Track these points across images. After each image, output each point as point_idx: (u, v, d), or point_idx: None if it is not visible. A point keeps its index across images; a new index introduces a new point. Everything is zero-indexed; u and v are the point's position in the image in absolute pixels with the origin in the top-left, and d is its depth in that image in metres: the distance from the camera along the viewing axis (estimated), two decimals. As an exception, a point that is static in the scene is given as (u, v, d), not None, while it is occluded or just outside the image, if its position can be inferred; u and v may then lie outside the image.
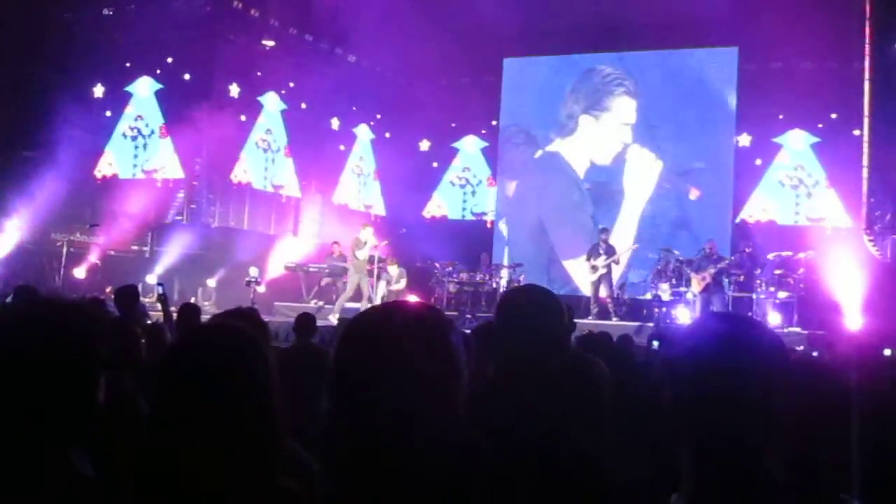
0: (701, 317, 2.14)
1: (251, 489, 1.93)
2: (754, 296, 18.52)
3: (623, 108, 23.04)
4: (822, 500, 2.50)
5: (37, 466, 2.08)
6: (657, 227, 22.08)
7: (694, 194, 22.07)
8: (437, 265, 20.74)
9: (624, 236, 21.71)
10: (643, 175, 22.58)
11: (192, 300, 19.21)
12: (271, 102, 23.81)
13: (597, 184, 23.01)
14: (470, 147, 26.81)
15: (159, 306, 10.63)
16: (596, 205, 22.87)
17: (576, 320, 13.70)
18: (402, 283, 19.85)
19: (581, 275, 20.46)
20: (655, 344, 9.18)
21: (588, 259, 19.10)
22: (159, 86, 22.68)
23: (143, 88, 22.97)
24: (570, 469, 2.46)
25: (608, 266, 18.81)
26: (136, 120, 23.19)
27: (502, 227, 24.09)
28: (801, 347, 14.39)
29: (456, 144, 26.88)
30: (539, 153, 23.77)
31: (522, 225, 23.54)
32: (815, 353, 12.83)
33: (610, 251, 18.89)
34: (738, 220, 22.28)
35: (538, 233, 23.20)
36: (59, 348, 2.13)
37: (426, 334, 1.84)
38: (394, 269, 19.96)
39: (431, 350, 1.82)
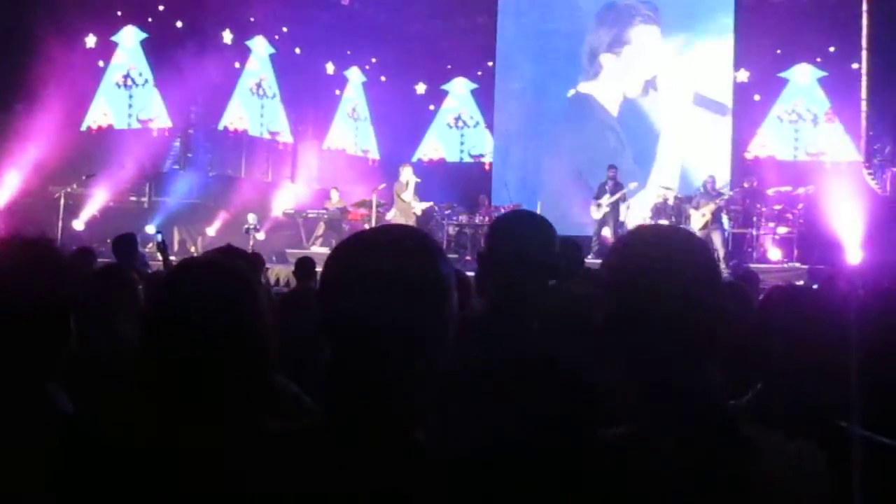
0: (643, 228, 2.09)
1: (235, 429, 1.92)
2: (754, 231, 18.52)
3: (644, 38, 22.65)
4: (821, 428, 2.50)
5: (13, 402, 2.10)
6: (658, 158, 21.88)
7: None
8: (435, 207, 20.68)
9: (666, 176, 21.49)
10: (676, 106, 22.31)
11: (192, 249, 19.29)
12: (261, 47, 23.63)
13: (630, 125, 22.62)
14: (460, 88, 26.64)
15: (159, 256, 10.62)
16: (633, 146, 22.49)
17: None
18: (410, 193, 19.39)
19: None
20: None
21: (598, 196, 19.03)
22: (144, 35, 22.50)
23: (129, 38, 22.79)
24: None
25: (613, 205, 18.72)
26: (128, 69, 23.05)
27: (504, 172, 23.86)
28: (802, 282, 14.41)
29: (445, 87, 26.71)
30: (572, 92, 23.28)
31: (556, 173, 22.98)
32: (815, 287, 12.85)
33: (616, 189, 18.81)
34: (737, 156, 22.15)
35: (575, 179, 22.70)
36: (26, 286, 2.15)
37: (414, 254, 1.81)
38: (407, 173, 19.43)
39: (420, 269, 1.79)
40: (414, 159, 26.15)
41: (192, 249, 19.69)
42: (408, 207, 18.57)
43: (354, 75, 26.51)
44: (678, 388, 1.79)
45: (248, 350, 2.01)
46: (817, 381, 2.51)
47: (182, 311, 2.00)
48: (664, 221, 18.76)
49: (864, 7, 18.63)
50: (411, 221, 18.32)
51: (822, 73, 22.06)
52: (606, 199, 18.68)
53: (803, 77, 22.37)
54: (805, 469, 1.80)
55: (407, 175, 18.85)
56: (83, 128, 22.86)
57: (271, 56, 24.01)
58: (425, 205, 19.62)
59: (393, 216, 19.00)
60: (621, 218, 19.26)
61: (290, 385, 3.12)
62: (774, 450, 1.80)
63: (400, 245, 1.82)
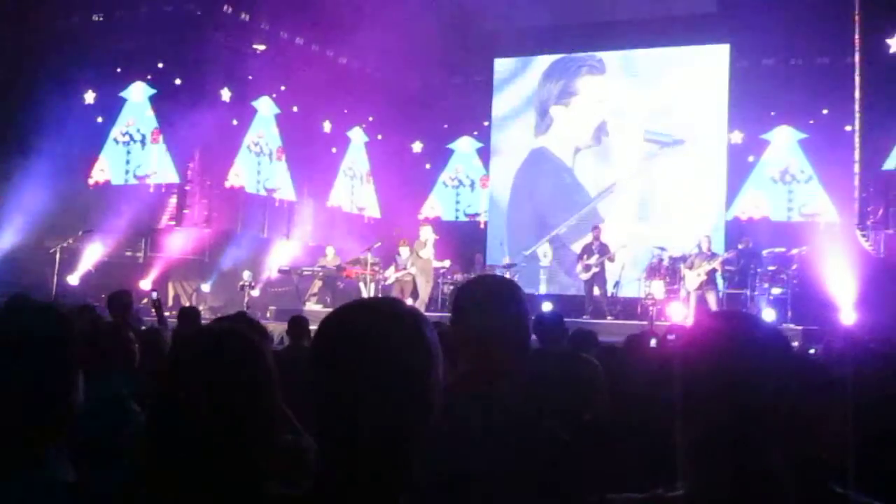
0: (710, 313, 2.17)
1: (240, 493, 1.92)
2: (748, 292, 18.53)
3: (591, 88, 23.17)
4: (819, 494, 2.50)
5: (10, 470, 2.08)
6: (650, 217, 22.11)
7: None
8: (441, 267, 20.69)
9: (623, 219, 21.76)
10: (627, 148, 22.68)
11: (186, 304, 19.24)
12: (265, 107, 23.81)
13: (584, 168, 23.10)
14: (465, 147, 26.81)
15: (153, 311, 10.61)
16: (589, 188, 22.93)
17: (572, 319, 13.74)
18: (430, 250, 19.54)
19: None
20: (653, 342, 9.17)
21: (580, 259, 19.10)
22: (153, 90, 22.67)
23: (137, 93, 22.96)
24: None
25: (601, 264, 18.78)
26: (127, 125, 23.19)
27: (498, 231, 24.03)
28: (797, 343, 14.39)
29: (451, 145, 26.87)
30: (526, 152, 23.80)
31: (520, 226, 23.50)
32: (811, 351, 12.85)
33: (603, 250, 18.85)
34: (730, 218, 22.27)
35: (539, 228, 23.13)
36: (33, 347, 2.14)
37: (402, 327, 1.84)
38: (405, 252, 19.65)
39: (409, 343, 1.82)
40: (421, 216, 26.34)
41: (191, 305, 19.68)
42: (426, 265, 18.63)
43: (356, 134, 26.65)
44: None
45: (261, 419, 2.02)
46: (816, 446, 2.52)
47: (196, 377, 2.00)
48: (658, 281, 18.81)
49: (857, 71, 18.83)
50: (430, 277, 18.63)
51: (802, 136, 22.26)
52: (595, 260, 18.69)
53: (784, 139, 22.55)
54: None
55: (426, 234, 19.02)
56: (89, 182, 22.96)
57: (276, 115, 24.17)
58: (445, 263, 19.79)
59: (399, 275, 19.13)
60: (616, 277, 19.33)
61: (301, 440, 3.12)
62: None
63: (387, 319, 1.85)
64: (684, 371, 1.97)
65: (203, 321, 8.47)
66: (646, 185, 22.49)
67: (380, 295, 18.13)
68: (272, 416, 2.05)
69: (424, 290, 18.74)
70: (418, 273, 18.69)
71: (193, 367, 2.02)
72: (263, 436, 2.03)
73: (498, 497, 2.33)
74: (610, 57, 23.28)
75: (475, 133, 26.19)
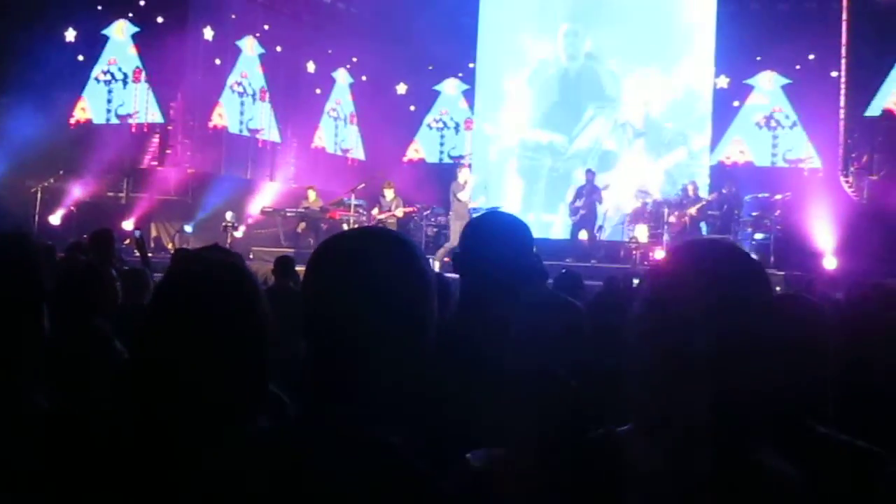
0: (684, 241, 2.09)
1: (234, 427, 1.91)
2: (731, 237, 18.59)
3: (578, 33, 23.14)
4: (798, 430, 2.52)
5: None
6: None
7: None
8: (415, 208, 20.64)
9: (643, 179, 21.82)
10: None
11: (169, 245, 19.22)
12: (249, 46, 23.58)
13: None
14: (451, 89, 26.63)
15: (136, 252, 10.57)
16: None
17: (554, 262, 13.76)
18: (400, 211, 19.56)
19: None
20: (636, 282, 9.21)
21: (573, 201, 19.06)
22: (135, 29, 22.42)
23: (119, 32, 22.71)
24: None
25: (590, 208, 18.73)
26: (109, 64, 22.96)
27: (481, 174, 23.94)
28: (779, 288, 14.47)
29: (437, 87, 26.68)
30: (512, 95, 23.62)
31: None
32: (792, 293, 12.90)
33: (593, 192, 18.83)
34: (714, 163, 22.28)
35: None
36: (2, 275, 2.11)
37: (396, 257, 1.82)
38: (390, 193, 19.65)
39: (402, 272, 1.80)
40: (405, 159, 26.27)
41: (170, 246, 19.62)
42: (463, 208, 18.36)
43: (342, 76, 26.45)
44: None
45: (255, 347, 2.00)
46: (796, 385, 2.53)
47: (191, 307, 1.98)
48: (642, 226, 18.85)
49: (844, 16, 18.74)
50: (465, 221, 18.33)
51: (786, 81, 22.21)
52: (583, 202, 18.67)
53: (767, 84, 22.50)
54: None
55: (465, 175, 18.85)
56: (70, 121, 22.76)
57: (260, 56, 23.93)
58: (482, 204, 19.47)
59: (383, 217, 19.05)
60: (599, 222, 19.31)
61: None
62: (773, 473, 1.83)
63: (382, 248, 1.82)
64: (647, 292, 1.90)
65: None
66: (636, 124, 22.44)
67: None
68: (265, 349, 2.04)
69: (456, 235, 18.34)
70: (454, 217, 18.38)
71: (186, 296, 2.00)
72: (260, 370, 2.02)
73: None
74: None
75: (460, 75, 26.00)
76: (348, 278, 1.76)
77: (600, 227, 19.53)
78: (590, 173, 19.18)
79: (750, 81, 22.60)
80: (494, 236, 2.91)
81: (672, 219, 17.95)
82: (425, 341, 1.81)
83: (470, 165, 20.25)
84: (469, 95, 25.81)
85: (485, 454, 2.19)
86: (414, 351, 1.79)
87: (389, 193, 19.49)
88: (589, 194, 18.75)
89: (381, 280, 1.75)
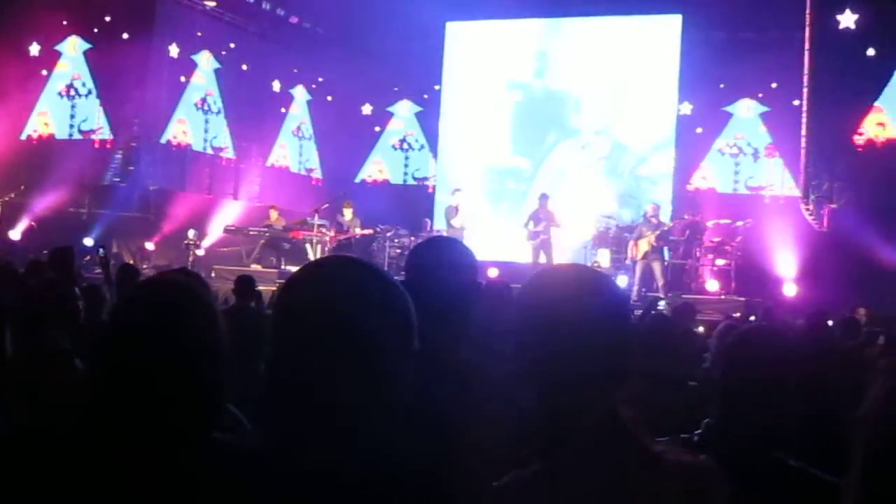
0: (555, 265, 2.23)
1: (191, 444, 1.90)
2: (693, 262, 18.74)
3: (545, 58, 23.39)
4: (758, 459, 2.54)
5: None
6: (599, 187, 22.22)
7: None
8: (378, 229, 20.60)
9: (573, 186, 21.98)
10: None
11: (131, 262, 19.04)
12: (205, 61, 23.49)
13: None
14: (404, 111, 26.68)
15: (97, 269, 10.47)
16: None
17: (517, 286, 13.74)
18: (358, 231, 19.53)
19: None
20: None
21: (526, 225, 19.03)
22: (88, 45, 22.31)
23: (72, 48, 22.60)
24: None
25: (548, 231, 18.75)
26: (72, 79, 22.83)
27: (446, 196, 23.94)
28: (738, 314, 14.59)
29: (390, 108, 26.72)
30: (477, 116, 23.72)
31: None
32: (751, 318, 13.04)
33: (549, 217, 18.84)
34: (679, 188, 22.39)
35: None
36: None
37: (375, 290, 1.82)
38: (349, 213, 19.59)
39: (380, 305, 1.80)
40: (357, 180, 26.25)
41: (131, 263, 19.48)
42: (457, 233, 17.99)
43: (300, 93, 26.44)
44: (580, 412, 1.89)
45: (209, 370, 1.99)
46: (766, 415, 2.58)
47: (146, 330, 1.97)
48: (604, 250, 18.95)
49: (807, 45, 18.97)
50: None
51: (764, 108, 22.39)
52: (542, 227, 18.63)
53: (746, 112, 22.71)
54: (705, 484, 1.90)
55: (459, 199, 19.11)
56: (23, 136, 22.56)
57: (216, 71, 23.84)
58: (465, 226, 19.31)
59: (342, 238, 19.03)
60: (563, 246, 19.34)
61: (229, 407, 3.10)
62: (675, 463, 1.90)
63: (359, 281, 1.82)
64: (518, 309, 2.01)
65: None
66: (600, 148, 22.63)
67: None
68: (221, 370, 2.02)
69: None
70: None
71: (139, 320, 1.99)
72: (214, 389, 2.00)
73: None
74: (563, 24, 23.29)
75: (425, 97, 26.01)
76: (327, 310, 1.75)
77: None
78: (543, 198, 19.12)
79: (728, 108, 22.76)
80: (438, 262, 2.91)
81: (632, 243, 18.00)
82: (403, 372, 1.80)
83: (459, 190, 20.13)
84: (423, 117, 25.89)
85: None
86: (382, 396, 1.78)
87: (348, 213, 19.48)
88: (545, 218, 18.71)
89: (361, 310, 1.75)
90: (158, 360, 1.92)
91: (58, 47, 22.66)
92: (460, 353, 2.78)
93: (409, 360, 1.82)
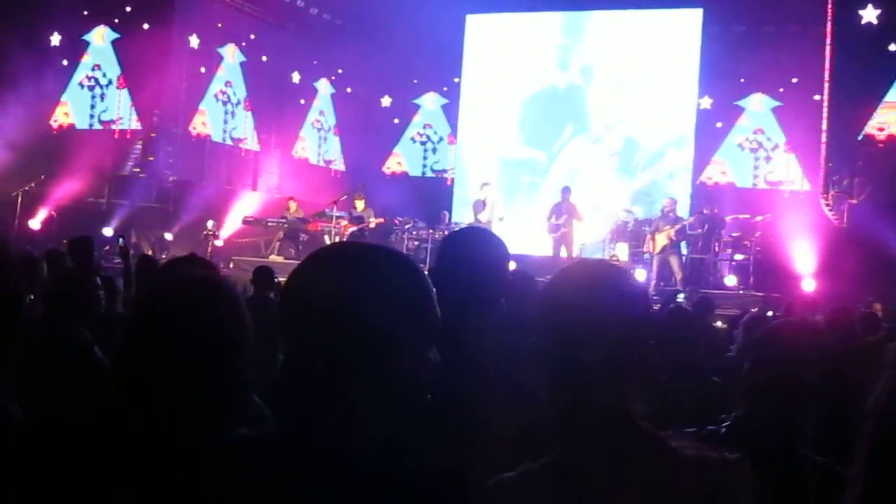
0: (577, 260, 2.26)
1: (214, 438, 1.89)
2: (711, 257, 18.67)
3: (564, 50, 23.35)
4: (780, 455, 2.53)
5: None
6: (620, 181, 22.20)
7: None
8: (396, 221, 20.62)
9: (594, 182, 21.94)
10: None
11: (149, 252, 19.11)
12: (230, 54, 23.54)
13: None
14: (430, 104, 26.66)
15: (115, 259, 10.49)
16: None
17: (538, 279, 13.69)
18: (373, 222, 19.56)
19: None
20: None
21: (549, 218, 18.98)
22: (116, 35, 22.34)
23: (100, 37, 22.63)
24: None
25: (569, 224, 18.71)
26: (93, 70, 22.88)
27: (464, 189, 23.93)
28: (756, 309, 14.51)
29: (417, 101, 26.71)
30: (496, 110, 23.71)
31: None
32: (769, 314, 12.98)
33: (570, 210, 18.79)
34: (697, 183, 22.34)
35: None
36: None
37: (397, 269, 1.80)
38: (360, 205, 19.67)
39: (403, 286, 1.78)
40: (385, 171, 26.31)
41: (150, 253, 19.54)
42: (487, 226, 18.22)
43: (323, 86, 26.45)
44: (600, 406, 1.91)
45: (238, 365, 1.99)
46: (792, 411, 2.59)
47: (172, 322, 1.96)
48: (623, 244, 18.89)
49: (828, 40, 18.85)
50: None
51: (776, 103, 22.29)
52: (564, 220, 18.60)
53: (757, 106, 22.59)
54: (729, 483, 1.90)
55: (487, 193, 19.06)
56: (52, 125, 22.66)
57: (242, 64, 23.88)
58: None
59: (354, 230, 19.03)
60: (583, 240, 19.32)
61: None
62: (697, 460, 1.91)
63: (369, 265, 1.80)
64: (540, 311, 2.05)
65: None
66: (616, 143, 22.58)
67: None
68: (246, 365, 2.02)
69: None
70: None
71: (165, 314, 1.99)
72: (240, 385, 2.00)
73: None
74: (583, 18, 23.24)
75: (444, 89, 26.03)
76: (332, 293, 1.72)
77: (584, 245, 19.58)
78: (566, 191, 19.07)
79: (740, 103, 22.67)
80: (471, 252, 2.89)
81: (650, 238, 17.95)
82: (400, 380, 1.77)
83: (488, 184, 20.02)
84: (448, 110, 25.86)
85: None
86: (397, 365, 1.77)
87: (360, 205, 19.51)
88: (567, 212, 18.68)
89: (377, 296, 1.72)
90: (188, 355, 1.91)
91: (86, 37, 22.68)
92: (485, 345, 2.77)
93: (425, 349, 1.78)
